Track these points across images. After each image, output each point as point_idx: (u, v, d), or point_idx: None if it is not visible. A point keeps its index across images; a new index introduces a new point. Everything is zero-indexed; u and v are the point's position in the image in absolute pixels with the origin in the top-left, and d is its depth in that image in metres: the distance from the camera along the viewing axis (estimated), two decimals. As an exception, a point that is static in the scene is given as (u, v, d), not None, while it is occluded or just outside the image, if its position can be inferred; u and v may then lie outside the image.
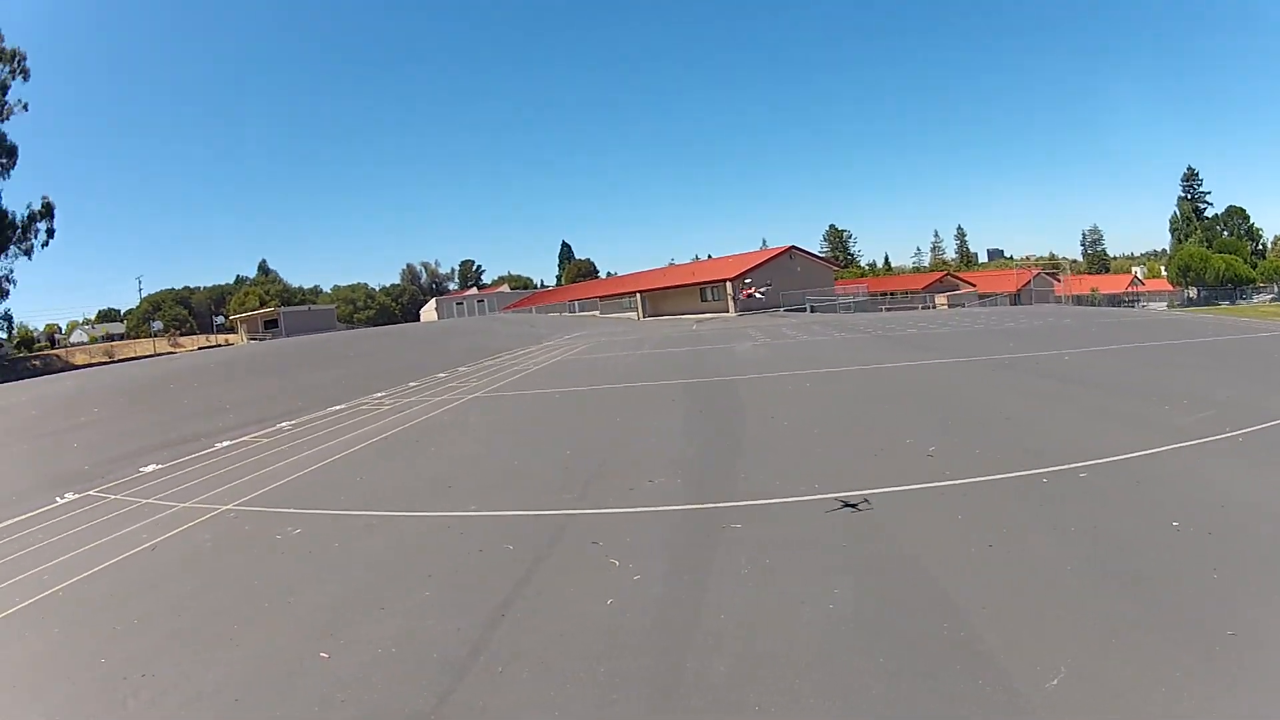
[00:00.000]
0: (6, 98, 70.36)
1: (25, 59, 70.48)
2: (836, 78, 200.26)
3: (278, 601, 6.48)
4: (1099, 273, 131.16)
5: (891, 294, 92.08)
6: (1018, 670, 4.37)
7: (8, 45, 69.60)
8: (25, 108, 71.74)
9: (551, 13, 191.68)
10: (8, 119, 70.83)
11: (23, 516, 10.95)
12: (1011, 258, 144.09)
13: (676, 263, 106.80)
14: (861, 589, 5.58)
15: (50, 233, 75.48)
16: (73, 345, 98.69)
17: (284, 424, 16.69)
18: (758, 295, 60.14)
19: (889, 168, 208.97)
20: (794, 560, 6.25)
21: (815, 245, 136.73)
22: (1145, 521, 6.78)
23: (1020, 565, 5.90)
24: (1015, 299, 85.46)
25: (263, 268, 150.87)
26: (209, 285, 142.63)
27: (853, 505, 7.62)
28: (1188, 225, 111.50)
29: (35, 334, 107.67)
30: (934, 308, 75.26)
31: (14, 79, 70.22)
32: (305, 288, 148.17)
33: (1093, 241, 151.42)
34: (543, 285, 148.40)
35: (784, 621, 5.14)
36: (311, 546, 7.98)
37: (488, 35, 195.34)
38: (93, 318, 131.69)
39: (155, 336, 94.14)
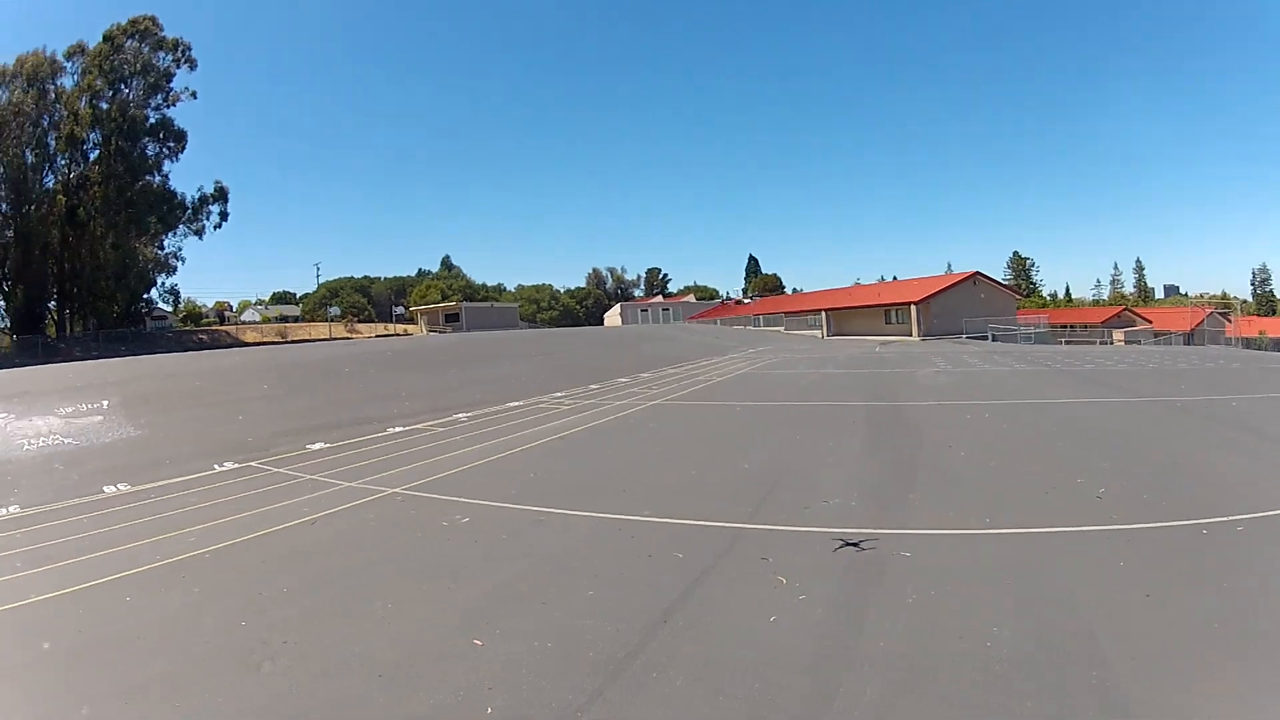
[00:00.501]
0: (172, 85, 75.23)
1: (190, 49, 75.33)
2: (1022, 105, 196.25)
3: (436, 585, 6.60)
4: (1267, 314, 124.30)
5: (1070, 326, 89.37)
6: None
7: (170, 34, 74.54)
8: (194, 95, 76.65)
9: (745, 22, 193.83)
10: (174, 105, 75.78)
11: (177, 479, 11.51)
12: (1186, 295, 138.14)
13: (862, 282, 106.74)
14: (1018, 628, 5.45)
15: (224, 215, 79.92)
16: (243, 323, 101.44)
17: (460, 415, 17.12)
18: None
19: (1073, 194, 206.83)
20: (958, 593, 6.15)
21: (999, 271, 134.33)
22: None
23: (1175, 619, 5.66)
24: (1188, 338, 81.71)
25: (446, 263, 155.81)
26: (389, 276, 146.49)
27: (1014, 539, 7.52)
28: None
29: (204, 309, 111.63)
30: (1111, 343, 72.61)
31: (179, 67, 75.20)
32: (489, 285, 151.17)
33: (1261, 280, 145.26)
34: (728, 297, 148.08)
35: (940, 653, 5.05)
36: (478, 535, 8.12)
37: (683, 44, 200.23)
38: (266, 299, 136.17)
39: (331, 321, 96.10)
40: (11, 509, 10.59)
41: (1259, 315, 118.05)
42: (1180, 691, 4.55)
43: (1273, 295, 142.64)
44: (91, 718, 4.61)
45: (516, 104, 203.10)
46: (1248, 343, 76.70)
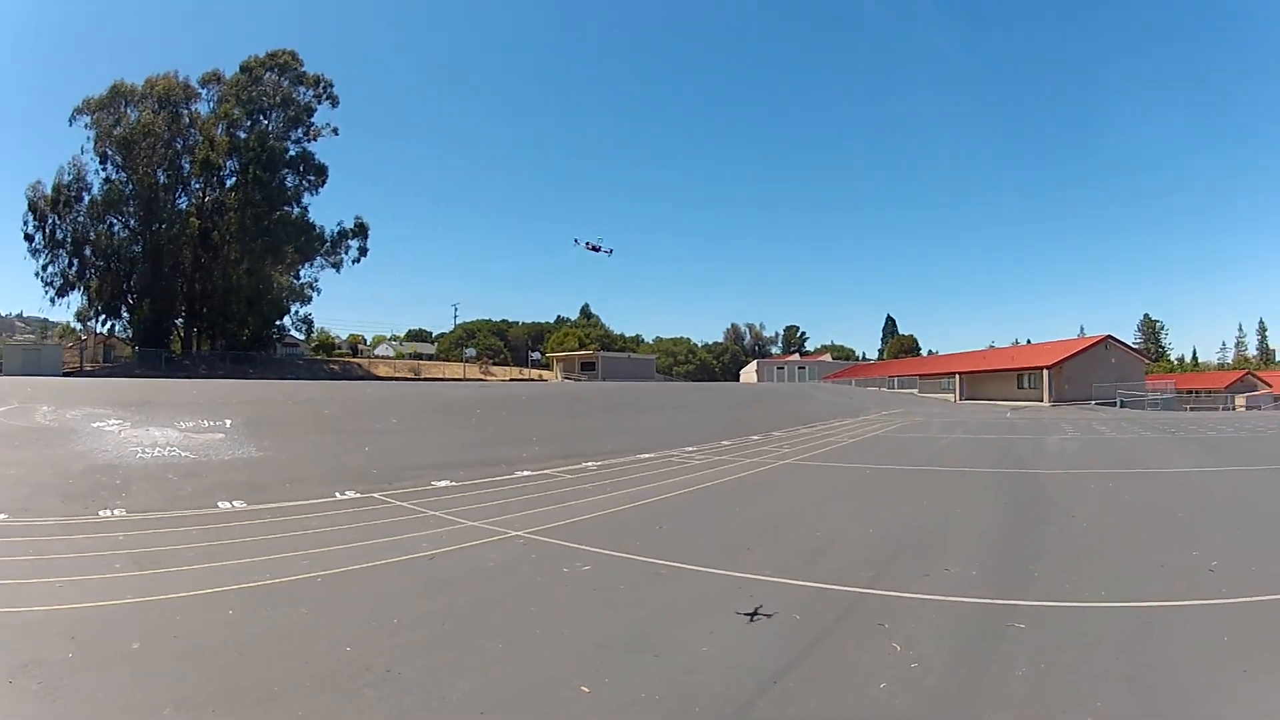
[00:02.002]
0: (313, 120, 78.35)
1: (332, 86, 78.54)
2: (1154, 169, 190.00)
3: (552, 630, 6.60)
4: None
5: (1195, 392, 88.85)
6: None
7: (310, 70, 77.71)
8: (335, 132, 79.83)
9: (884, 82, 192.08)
10: (315, 140, 78.88)
11: (295, 502, 11.76)
12: None
13: (996, 345, 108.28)
14: (1122, 703, 5.31)
15: (363, 250, 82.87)
16: (376, 357, 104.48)
17: (589, 464, 17.26)
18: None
19: (1203, 255, 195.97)
20: (1068, 666, 5.99)
21: (1129, 334, 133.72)
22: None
23: (1272, 696, 5.48)
24: None
25: (585, 311, 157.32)
26: (527, 321, 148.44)
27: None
28: None
29: (337, 340, 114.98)
30: (1233, 409, 71.57)
31: (320, 103, 78.36)
32: (626, 335, 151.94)
33: None
34: (864, 357, 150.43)
35: None
36: (596, 584, 8.12)
37: (832, 103, 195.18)
38: (401, 335, 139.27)
39: (466, 362, 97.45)
40: (117, 511, 11.01)
41: None
42: None
43: None
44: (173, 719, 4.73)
45: (665, 165, 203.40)
46: None
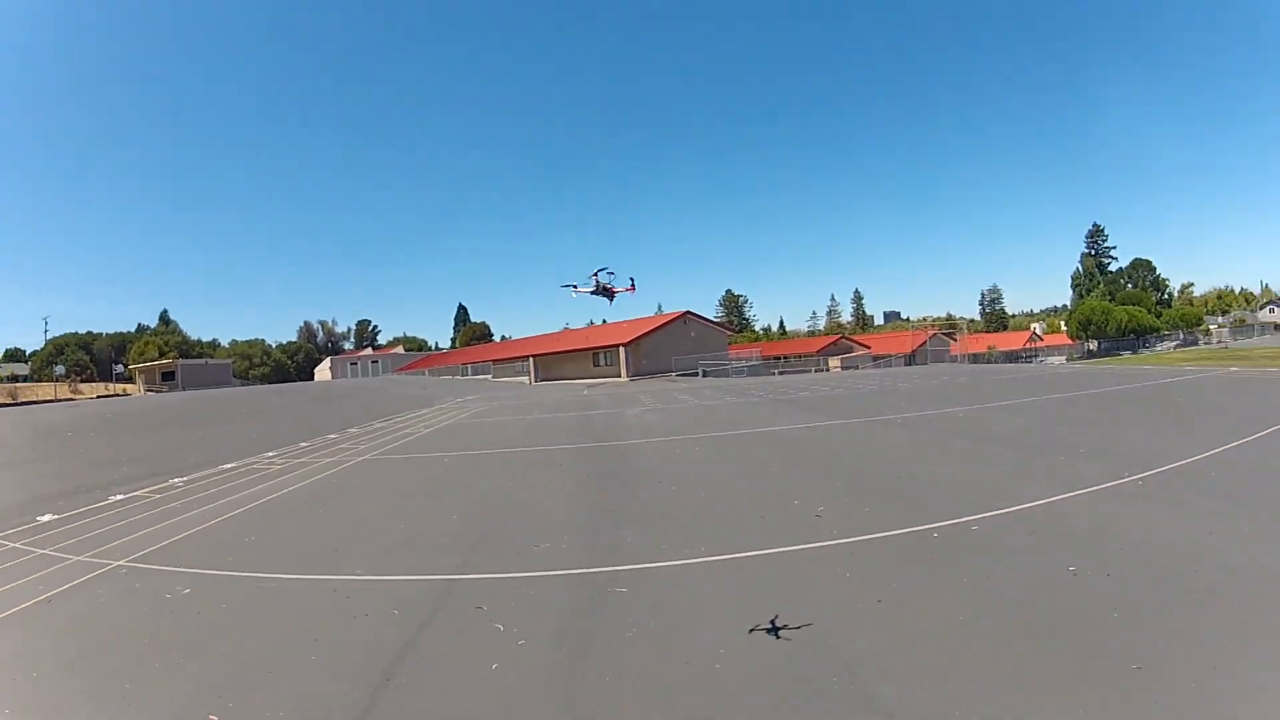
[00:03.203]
0: None
1: None
2: (738, 148, 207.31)
3: (169, 663, 6.36)
4: (997, 330, 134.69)
5: (785, 358, 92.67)
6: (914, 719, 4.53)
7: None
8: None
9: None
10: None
11: None
12: (908, 319, 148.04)
13: (571, 327, 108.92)
14: (746, 649, 5.68)
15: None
16: None
17: (176, 480, 16.43)
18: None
19: (787, 231, 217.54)
20: (679, 622, 6.36)
21: (711, 310, 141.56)
22: (1041, 569, 7.07)
23: (911, 619, 6.08)
24: (910, 360, 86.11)
25: (164, 318, 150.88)
26: (111, 332, 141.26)
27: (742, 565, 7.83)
28: (1090, 280, 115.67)
29: None
30: (828, 370, 75.80)
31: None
32: (204, 340, 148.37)
33: (991, 300, 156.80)
34: (437, 347, 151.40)
35: (669, 684, 5.21)
36: (201, 607, 7.86)
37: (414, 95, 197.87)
38: None
39: (57, 381, 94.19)
40: None
41: (988, 332, 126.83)
42: (935, 686, 4.91)
43: (1004, 312, 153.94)
44: None
45: (243, 157, 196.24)
46: (975, 358, 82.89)
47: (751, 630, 6.04)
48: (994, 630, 5.73)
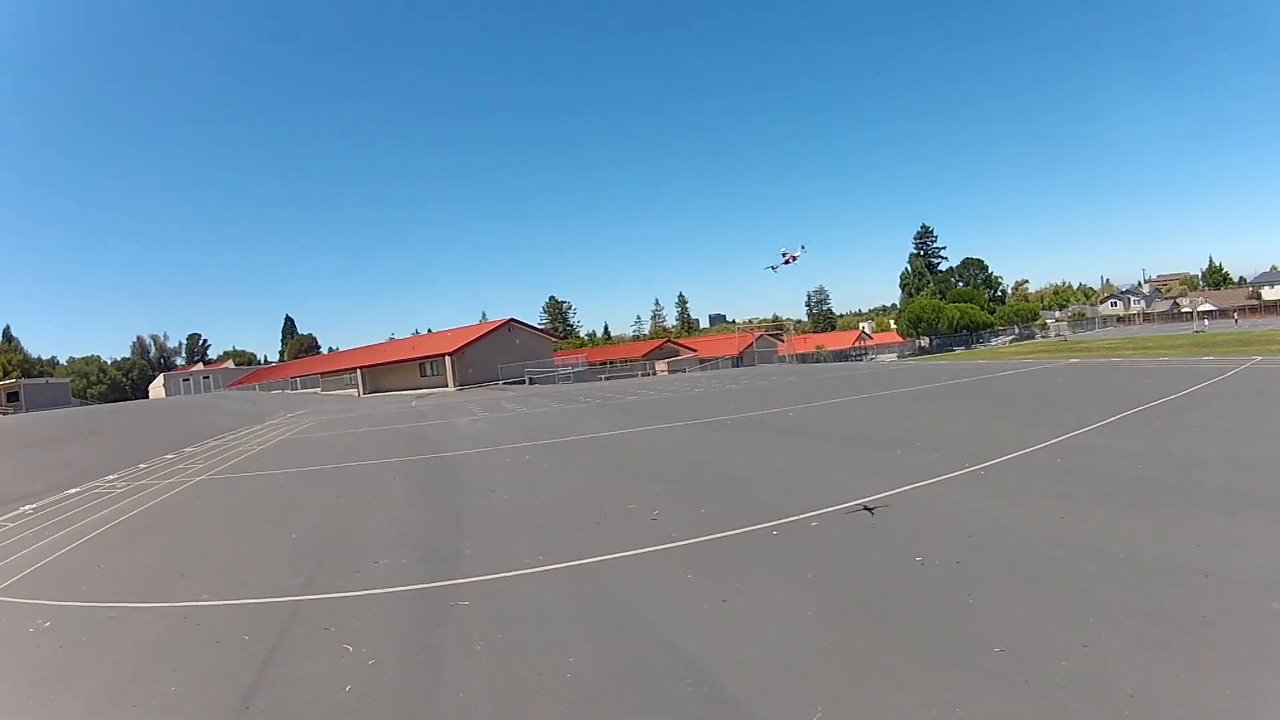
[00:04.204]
0: None
1: None
2: (563, 150, 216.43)
3: (40, 698, 6.18)
4: (825, 330, 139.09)
5: (611, 363, 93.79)
6: (773, 714, 4.61)
7: None
8: None
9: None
10: None
11: None
12: (734, 322, 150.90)
13: (397, 337, 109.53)
14: (597, 655, 5.75)
15: None
16: None
17: (26, 507, 15.92)
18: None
19: (610, 235, 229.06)
20: (525, 632, 6.40)
21: (535, 317, 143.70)
22: (887, 561, 7.29)
23: (758, 616, 6.21)
24: (737, 361, 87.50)
25: (6, 335, 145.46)
26: None
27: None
28: (919, 279, 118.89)
29: None
30: (654, 374, 77.23)
31: None
32: (44, 359, 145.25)
33: (818, 301, 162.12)
34: (266, 361, 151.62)
35: (522, 694, 5.24)
36: (61, 640, 7.63)
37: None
38: None
39: None
40: None
41: (815, 332, 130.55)
42: (786, 679, 5.02)
43: (831, 313, 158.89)
44: None
45: (67, 159, 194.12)
46: (803, 358, 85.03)
47: (597, 637, 6.13)
48: (847, 623, 5.88)
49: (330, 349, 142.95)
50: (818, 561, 7.47)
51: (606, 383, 59.02)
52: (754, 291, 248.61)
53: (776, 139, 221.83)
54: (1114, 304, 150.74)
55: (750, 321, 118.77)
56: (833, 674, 5.03)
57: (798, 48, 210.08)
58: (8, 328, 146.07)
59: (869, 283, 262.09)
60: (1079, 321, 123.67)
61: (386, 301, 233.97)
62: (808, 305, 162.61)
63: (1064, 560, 6.91)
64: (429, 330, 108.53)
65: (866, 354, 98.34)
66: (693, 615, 6.35)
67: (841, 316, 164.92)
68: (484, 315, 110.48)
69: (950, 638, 5.42)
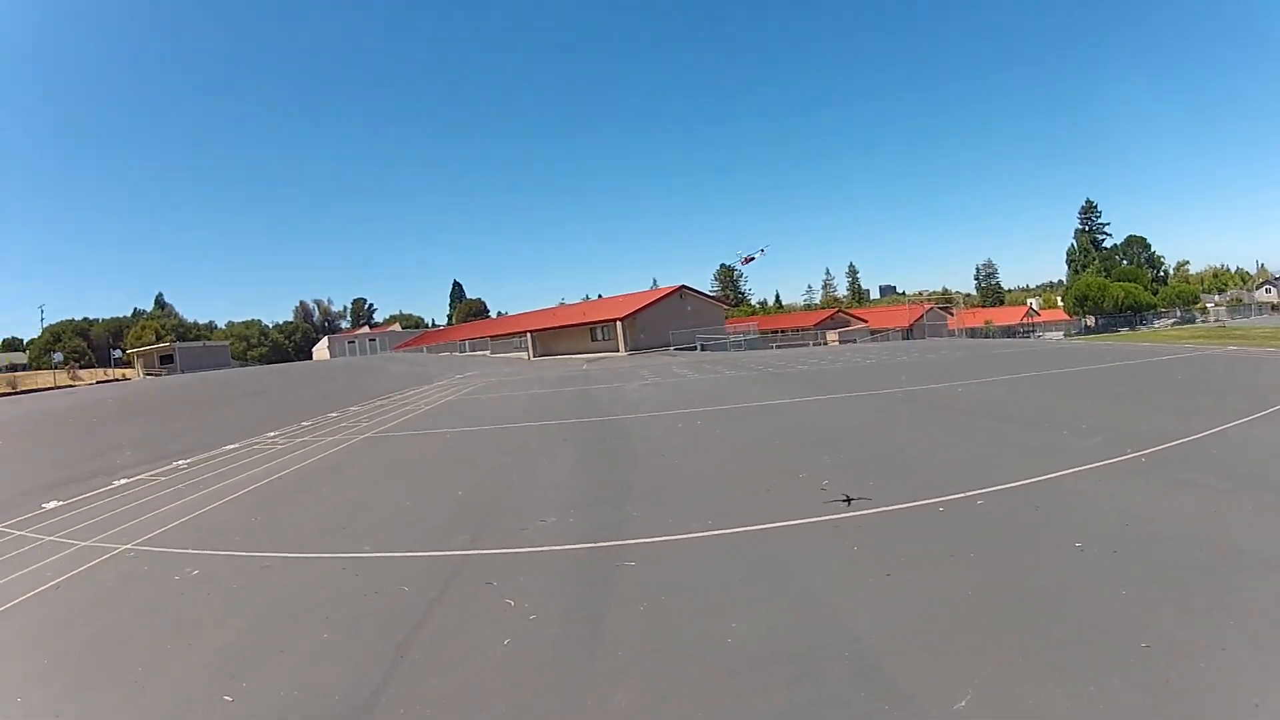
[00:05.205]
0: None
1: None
2: (725, 124, 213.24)
3: (181, 644, 6.38)
4: (993, 305, 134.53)
5: (782, 331, 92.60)
6: (922, 694, 4.50)
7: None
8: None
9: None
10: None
11: None
12: (904, 294, 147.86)
13: (567, 302, 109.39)
14: (760, 622, 5.67)
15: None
16: None
17: (180, 462, 16.46)
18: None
19: (782, 205, 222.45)
20: (689, 596, 6.35)
21: (706, 284, 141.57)
22: (1048, 545, 7.02)
23: (919, 593, 6.04)
24: (907, 334, 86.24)
25: (159, 301, 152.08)
26: (107, 317, 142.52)
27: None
28: (1085, 256, 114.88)
29: None
30: (825, 344, 75.74)
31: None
32: (200, 323, 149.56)
33: (987, 275, 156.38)
34: (434, 324, 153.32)
35: (684, 656, 5.21)
36: (209, 589, 7.85)
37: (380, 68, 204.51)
38: None
39: (56, 369, 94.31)
40: None
41: (984, 306, 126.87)
42: (941, 660, 4.89)
43: (999, 287, 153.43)
44: None
45: (224, 138, 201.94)
46: (972, 333, 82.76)
47: (761, 604, 6.04)
48: (1004, 606, 5.69)
49: (500, 313, 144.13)
50: (980, 541, 7.27)
51: (777, 351, 58.04)
52: (924, 262, 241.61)
53: (948, 112, 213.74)
54: (1267, 290, 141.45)
55: (920, 294, 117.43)
56: (984, 658, 4.89)
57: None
58: (160, 294, 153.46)
59: (1036, 257, 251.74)
60: (1236, 307, 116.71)
61: (556, 267, 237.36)
62: (976, 279, 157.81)
63: (1216, 559, 6.52)
64: (599, 296, 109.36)
65: (1034, 330, 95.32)
66: (856, 588, 6.25)
67: (1009, 291, 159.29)
68: (655, 282, 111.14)
69: (1101, 630, 5.19)
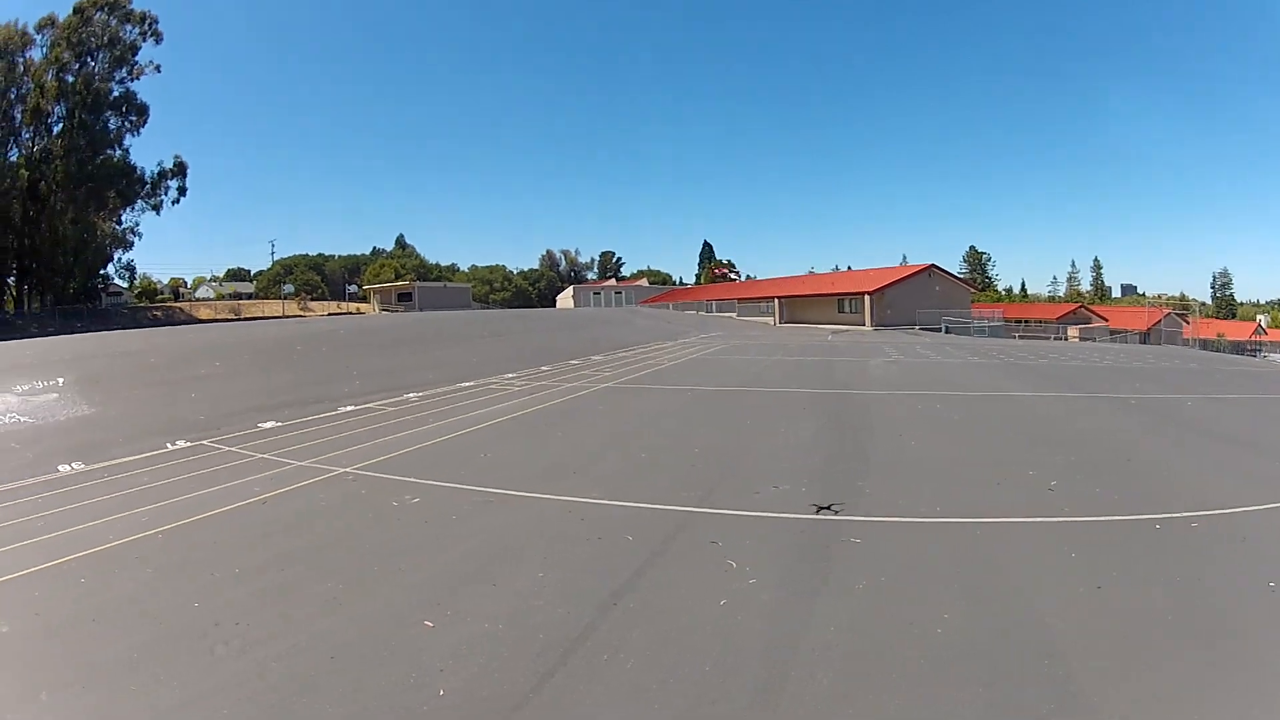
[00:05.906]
0: (137, 59, 74.07)
1: (157, 22, 74.24)
2: (990, 102, 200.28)
3: (388, 567, 6.57)
4: (1226, 317, 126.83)
5: (1025, 321, 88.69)
6: (1110, 712, 4.28)
7: (137, 7, 73.32)
8: (158, 69, 75.85)
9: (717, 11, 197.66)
10: (138, 79, 74.74)
11: (131, 458, 11.34)
12: (1144, 295, 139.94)
13: (816, 271, 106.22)
14: (968, 617, 5.51)
15: (182, 190, 79.48)
16: (197, 300, 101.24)
17: (411, 395, 17.05)
18: None
19: (1034, 190, 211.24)
20: (907, 580, 6.20)
21: (954, 265, 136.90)
22: (1245, 579, 6.52)
23: (1126, 609, 5.74)
24: (1144, 338, 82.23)
25: (400, 242, 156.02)
26: (344, 254, 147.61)
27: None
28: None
29: (159, 286, 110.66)
30: (1066, 339, 72.67)
31: (145, 40, 74.01)
32: (442, 264, 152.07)
33: (1222, 285, 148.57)
34: (681, 282, 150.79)
35: (890, 641, 5.09)
36: (428, 516, 8.07)
37: (650, 31, 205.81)
38: (221, 275, 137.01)
39: (285, 299, 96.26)
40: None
41: (1218, 318, 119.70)
42: (1131, 681, 4.62)
43: (1232, 299, 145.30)
44: (49, 703, 4.54)
45: (477, 90, 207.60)
46: (1205, 344, 77.46)
47: (973, 599, 5.86)
48: (1206, 633, 5.31)
49: (748, 276, 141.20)
50: (1189, 565, 6.83)
51: (1019, 341, 56.02)
52: (1161, 264, 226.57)
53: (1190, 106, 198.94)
54: None
55: (1159, 297, 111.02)
56: (1178, 685, 4.60)
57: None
58: (401, 235, 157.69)
59: (1270, 269, 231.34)
60: None
61: (804, 235, 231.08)
62: (1212, 288, 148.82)
63: None
64: (849, 267, 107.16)
65: (1260, 350, 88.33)
66: (1067, 595, 5.97)
67: (1242, 304, 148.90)
68: (904, 258, 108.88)
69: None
